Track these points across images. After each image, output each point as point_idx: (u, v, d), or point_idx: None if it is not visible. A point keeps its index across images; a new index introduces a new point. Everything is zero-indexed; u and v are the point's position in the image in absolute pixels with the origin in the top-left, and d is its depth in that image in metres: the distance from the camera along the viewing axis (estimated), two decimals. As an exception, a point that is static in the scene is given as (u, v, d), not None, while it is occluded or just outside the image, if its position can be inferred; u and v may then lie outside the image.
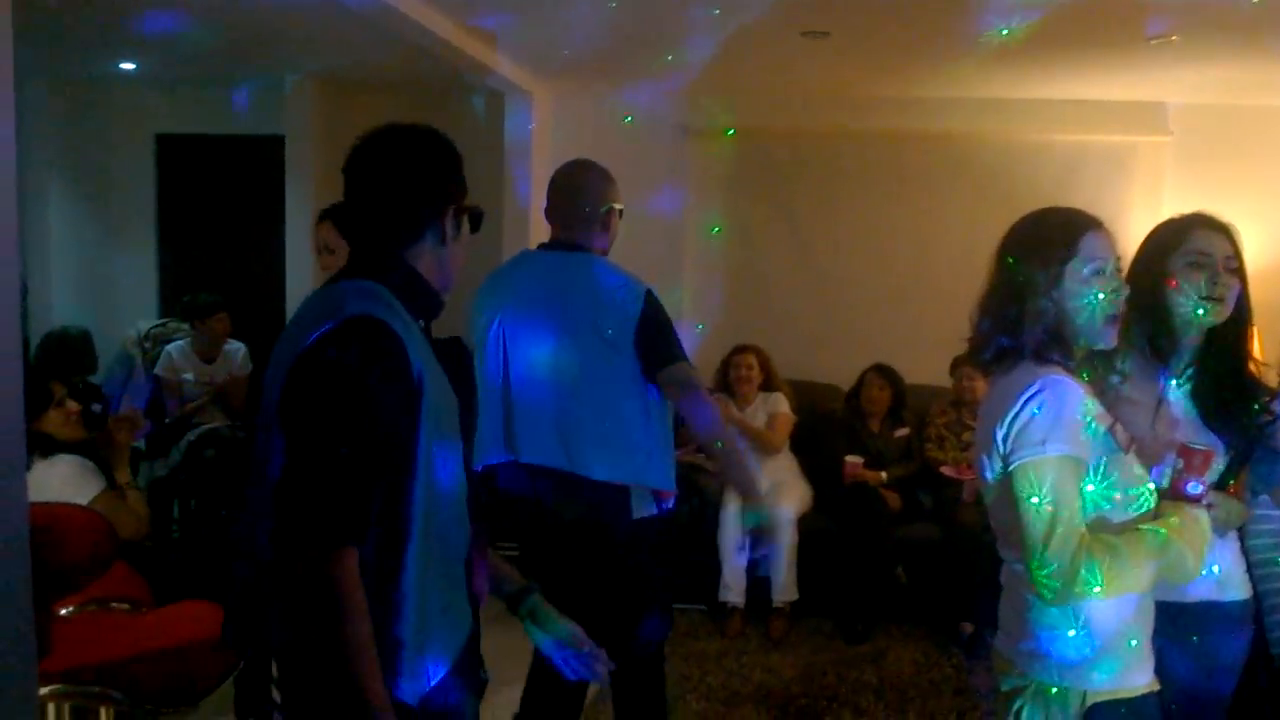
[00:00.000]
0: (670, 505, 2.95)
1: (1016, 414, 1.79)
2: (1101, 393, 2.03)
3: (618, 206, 2.98)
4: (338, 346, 1.55)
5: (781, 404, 5.26)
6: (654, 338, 2.79)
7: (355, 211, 1.78)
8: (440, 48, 4.60)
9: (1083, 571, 1.70)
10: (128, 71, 6.13)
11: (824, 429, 5.31)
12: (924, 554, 4.77)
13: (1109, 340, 1.90)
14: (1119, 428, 1.88)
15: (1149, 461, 1.99)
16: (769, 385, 5.31)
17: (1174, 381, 2.26)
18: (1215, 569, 2.23)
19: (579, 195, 2.94)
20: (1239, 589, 2.31)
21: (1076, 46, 4.57)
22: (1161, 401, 2.26)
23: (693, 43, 4.69)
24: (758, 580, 4.83)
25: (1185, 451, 1.92)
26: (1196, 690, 2.33)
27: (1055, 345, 1.86)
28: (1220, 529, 2.23)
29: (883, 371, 5.27)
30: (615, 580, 2.85)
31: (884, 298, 5.82)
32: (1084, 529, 1.75)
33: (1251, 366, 2.30)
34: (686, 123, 5.92)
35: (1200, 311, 2.20)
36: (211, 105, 6.39)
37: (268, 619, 1.65)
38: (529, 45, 5.00)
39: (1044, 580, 1.73)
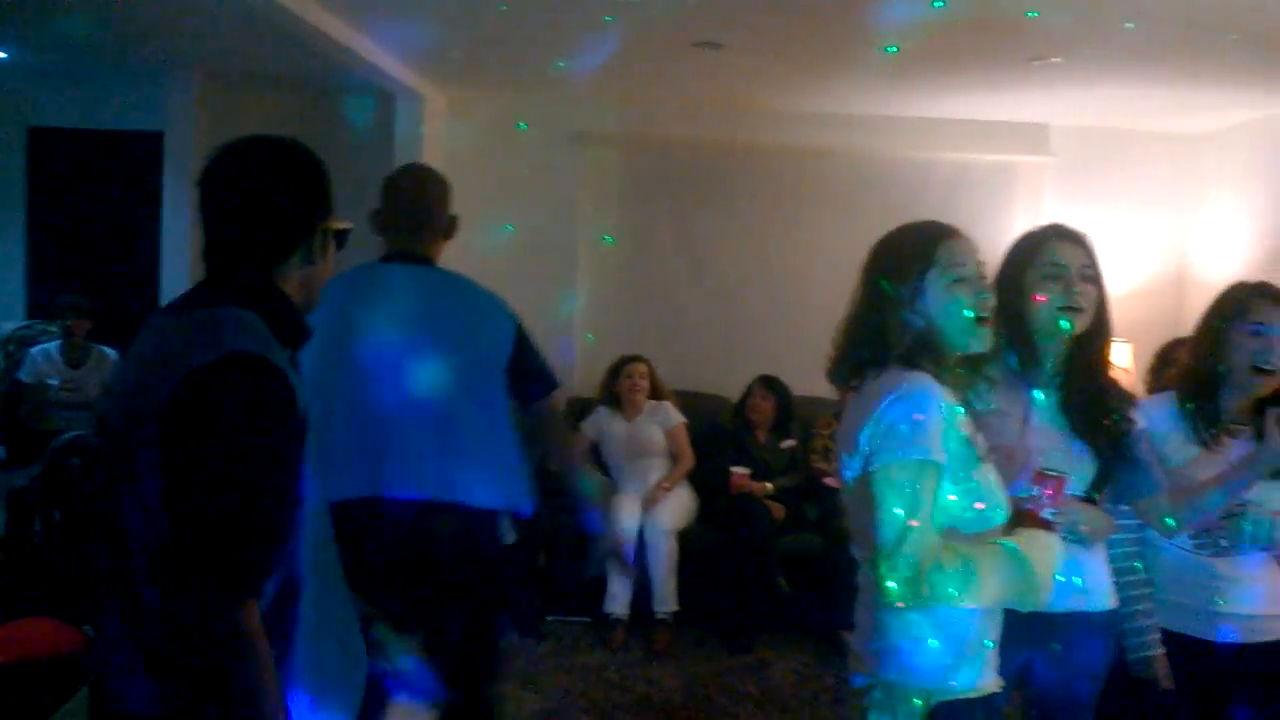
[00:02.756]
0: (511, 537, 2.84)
1: (879, 416, 1.80)
2: (969, 402, 2.04)
3: (456, 214, 2.87)
4: (225, 387, 1.46)
5: (675, 414, 5.26)
6: (527, 361, 2.74)
7: (218, 228, 1.65)
8: (330, 47, 4.49)
9: (930, 577, 1.71)
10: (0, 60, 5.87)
11: (710, 440, 5.31)
12: (807, 564, 4.80)
13: (981, 343, 1.92)
14: (978, 437, 1.90)
15: (1009, 473, 2.01)
16: (655, 394, 5.30)
17: (1040, 392, 2.29)
18: (1078, 580, 2.26)
19: (430, 203, 2.79)
20: (1104, 599, 2.34)
21: (961, 66, 4.66)
22: (1029, 412, 2.29)
23: (587, 50, 4.66)
24: (643, 591, 4.81)
25: (1041, 477, 1.94)
26: (1059, 698, 2.37)
27: (925, 354, 1.88)
28: (1089, 540, 2.26)
29: (768, 383, 5.30)
30: (484, 608, 2.74)
31: (773, 309, 5.85)
32: (935, 535, 1.76)
33: (1111, 375, 2.35)
34: (581, 130, 5.89)
35: (1061, 322, 2.23)
36: (88, 98, 6.14)
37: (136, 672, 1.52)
38: (420, 47, 4.92)
39: (892, 582, 1.73)
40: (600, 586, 4.80)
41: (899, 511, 1.73)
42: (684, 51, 4.61)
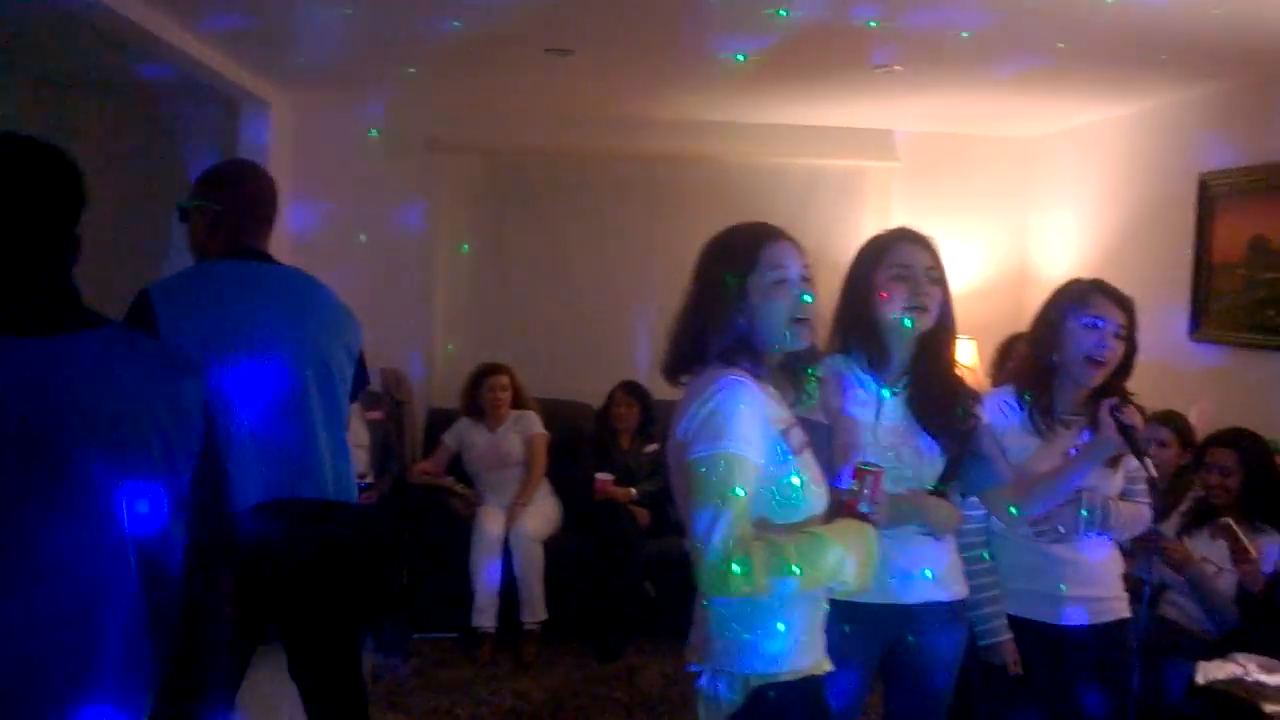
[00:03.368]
0: None
1: (697, 411, 1.84)
2: (796, 399, 2.09)
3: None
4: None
5: (535, 423, 5.22)
6: (362, 365, 2.84)
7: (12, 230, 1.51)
8: (163, 50, 4.30)
9: (741, 566, 1.73)
10: None
11: (574, 447, 5.29)
12: (672, 568, 4.79)
13: (798, 342, 1.97)
14: (795, 431, 1.95)
15: (836, 468, 2.06)
16: (518, 403, 5.26)
17: (889, 390, 2.36)
18: (928, 572, 2.33)
19: (270, 200, 2.77)
20: (955, 589, 2.42)
21: (808, 74, 4.75)
22: (879, 409, 2.35)
23: (436, 56, 4.60)
24: (510, 602, 4.75)
25: (859, 472, 1.99)
26: (917, 688, 2.43)
27: (743, 352, 1.93)
28: (938, 532, 2.33)
29: (630, 389, 5.30)
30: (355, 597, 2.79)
31: (632, 315, 5.85)
32: (748, 526, 1.79)
33: (957, 372, 2.43)
34: (434, 137, 5.80)
35: (906, 321, 2.30)
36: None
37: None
38: (265, 52, 4.76)
39: (705, 571, 1.76)
40: (466, 600, 4.73)
41: (711, 503, 1.77)
42: (535, 57, 4.58)
